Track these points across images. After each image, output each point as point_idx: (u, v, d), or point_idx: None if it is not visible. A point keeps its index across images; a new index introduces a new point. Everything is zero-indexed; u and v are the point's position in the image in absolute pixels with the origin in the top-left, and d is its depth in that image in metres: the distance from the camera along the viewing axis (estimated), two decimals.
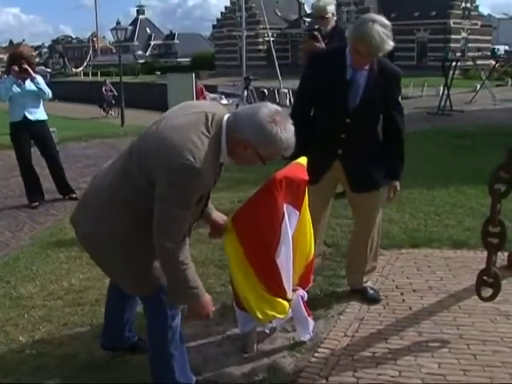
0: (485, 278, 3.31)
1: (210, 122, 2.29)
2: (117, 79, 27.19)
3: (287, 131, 2.27)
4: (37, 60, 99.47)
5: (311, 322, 3.28)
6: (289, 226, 2.85)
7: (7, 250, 5.31)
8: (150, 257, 2.46)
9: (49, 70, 77.86)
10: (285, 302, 2.95)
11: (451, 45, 47.62)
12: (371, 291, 3.85)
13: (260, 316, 2.91)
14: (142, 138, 2.45)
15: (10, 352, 3.34)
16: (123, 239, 2.45)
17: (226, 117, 2.34)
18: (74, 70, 75.91)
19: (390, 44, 3.13)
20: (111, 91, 28.49)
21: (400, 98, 3.63)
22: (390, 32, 3.13)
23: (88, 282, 4.31)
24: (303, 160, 2.98)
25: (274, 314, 2.94)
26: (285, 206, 2.82)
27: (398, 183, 3.61)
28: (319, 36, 5.72)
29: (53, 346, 3.40)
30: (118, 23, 33.17)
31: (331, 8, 5.88)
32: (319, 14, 5.89)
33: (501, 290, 3.30)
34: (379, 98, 3.34)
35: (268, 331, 3.34)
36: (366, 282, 3.87)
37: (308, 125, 3.47)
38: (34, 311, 3.85)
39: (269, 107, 2.29)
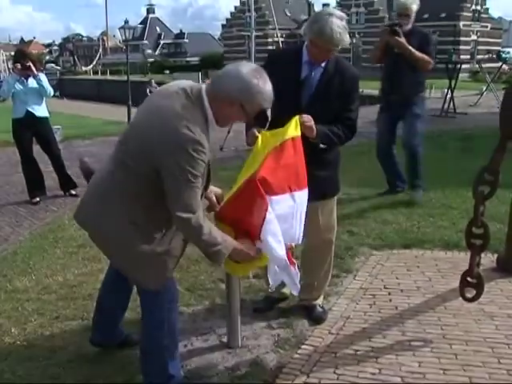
0: (468, 278, 3.36)
1: (190, 95, 2.43)
2: (125, 78, 27.20)
3: (268, 84, 2.48)
4: (47, 58, 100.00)
5: (296, 273, 2.98)
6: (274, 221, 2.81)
7: (6, 244, 5.39)
8: (157, 243, 2.54)
9: (59, 67, 78.36)
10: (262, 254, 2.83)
11: (461, 47, 47.58)
12: (319, 309, 3.68)
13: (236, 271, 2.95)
14: (132, 129, 2.57)
15: (1, 342, 3.43)
16: (130, 228, 2.51)
17: (204, 85, 2.49)
18: (83, 68, 76.37)
19: (347, 38, 3.11)
20: None
21: (355, 111, 3.40)
22: (346, 25, 3.11)
23: (82, 277, 4.39)
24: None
25: (252, 265, 2.92)
26: (277, 197, 2.81)
27: (310, 122, 3.09)
28: (400, 32, 5.74)
29: (44, 337, 3.49)
30: (126, 22, 33.39)
31: (415, 7, 5.86)
32: (403, 12, 5.88)
33: (484, 290, 3.34)
34: (333, 97, 3.24)
35: (273, 289, 3.25)
36: (317, 298, 3.72)
37: None
38: (27, 304, 3.94)
39: (249, 64, 2.51)
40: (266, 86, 2.45)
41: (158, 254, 2.56)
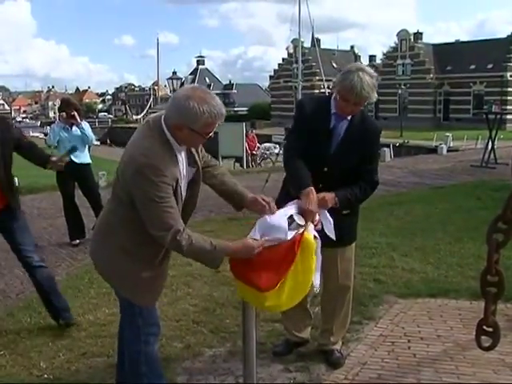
0: (484, 327, 3.36)
1: (151, 125, 2.62)
2: None
3: (205, 102, 2.49)
4: (100, 107, 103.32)
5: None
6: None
7: None
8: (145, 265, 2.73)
9: (111, 116, 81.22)
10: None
11: (508, 98, 47.05)
12: (337, 354, 3.72)
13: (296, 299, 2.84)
14: (119, 164, 2.77)
15: (29, 375, 3.61)
16: (120, 252, 2.73)
17: (164, 114, 2.64)
18: (134, 116, 78.90)
19: (375, 95, 3.22)
20: None
21: (375, 164, 3.51)
22: (376, 82, 3.22)
23: (112, 317, 4.55)
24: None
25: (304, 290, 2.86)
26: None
27: (332, 198, 3.23)
28: None
29: (69, 372, 3.65)
30: (175, 73, 34.92)
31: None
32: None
33: (499, 339, 3.33)
34: (356, 149, 3.35)
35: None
36: (335, 343, 3.76)
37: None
38: (58, 340, 4.12)
39: (183, 89, 2.61)
40: (201, 104, 2.48)
41: (148, 275, 2.75)
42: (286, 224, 2.79)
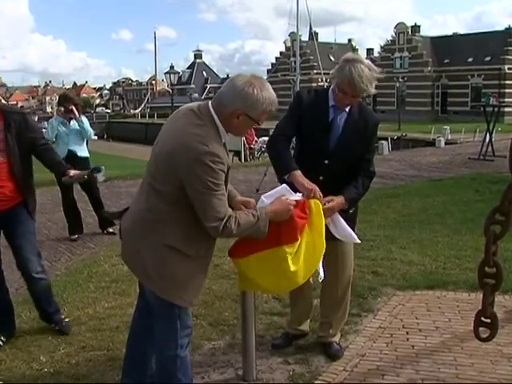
0: (482, 318, 3.37)
1: (198, 113, 2.59)
2: None
3: (266, 89, 2.59)
4: (97, 101, 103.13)
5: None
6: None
7: None
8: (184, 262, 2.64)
9: (108, 111, 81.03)
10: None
11: (506, 90, 47.03)
12: (336, 346, 3.72)
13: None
14: (156, 156, 2.67)
15: (30, 369, 3.61)
16: (166, 251, 2.62)
17: (210, 102, 2.64)
18: (132, 111, 78.77)
19: (374, 87, 3.22)
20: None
21: (373, 155, 3.61)
22: (375, 74, 3.21)
23: (111, 310, 4.57)
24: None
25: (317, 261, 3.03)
26: None
27: (341, 200, 3.30)
28: None
29: (69, 365, 3.66)
30: (172, 67, 34.98)
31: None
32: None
33: (497, 330, 3.35)
34: (356, 141, 3.37)
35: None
36: (334, 335, 3.75)
37: (289, 146, 3.47)
38: (57, 334, 4.13)
39: (242, 76, 2.62)
40: (263, 91, 2.56)
41: (192, 274, 2.68)
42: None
